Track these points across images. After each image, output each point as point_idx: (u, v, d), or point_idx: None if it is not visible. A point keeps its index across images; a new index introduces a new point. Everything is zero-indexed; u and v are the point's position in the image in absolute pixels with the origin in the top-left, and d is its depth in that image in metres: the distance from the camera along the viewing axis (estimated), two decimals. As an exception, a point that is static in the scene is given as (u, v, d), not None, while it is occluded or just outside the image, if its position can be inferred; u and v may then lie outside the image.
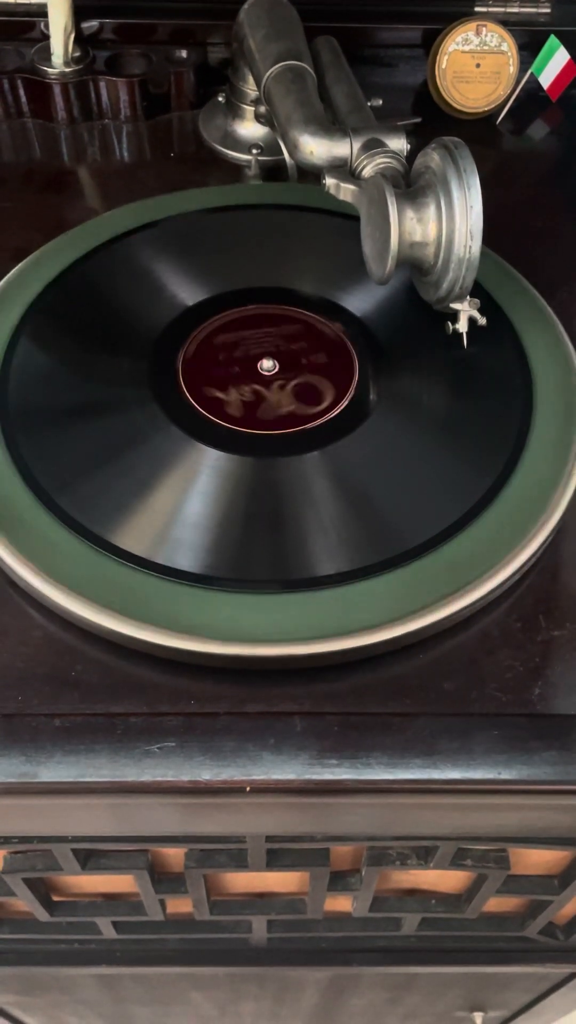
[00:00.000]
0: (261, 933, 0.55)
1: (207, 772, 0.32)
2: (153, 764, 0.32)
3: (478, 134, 0.62)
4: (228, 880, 0.50)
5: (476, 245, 0.40)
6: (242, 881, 0.51)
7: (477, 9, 0.63)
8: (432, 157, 0.42)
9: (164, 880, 0.47)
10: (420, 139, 0.46)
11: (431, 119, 0.60)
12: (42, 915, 0.51)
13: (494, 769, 0.32)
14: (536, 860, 0.46)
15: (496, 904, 0.53)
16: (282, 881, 0.51)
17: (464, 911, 0.50)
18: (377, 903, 0.50)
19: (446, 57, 0.60)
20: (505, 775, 0.32)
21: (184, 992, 0.70)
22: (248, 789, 0.32)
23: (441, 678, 0.36)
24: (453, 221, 0.40)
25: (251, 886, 0.51)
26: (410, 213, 0.41)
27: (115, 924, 0.53)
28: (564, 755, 0.33)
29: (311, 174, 0.48)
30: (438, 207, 0.41)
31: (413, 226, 0.41)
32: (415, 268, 0.44)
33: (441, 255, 0.41)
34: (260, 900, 0.52)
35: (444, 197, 0.40)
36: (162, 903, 0.50)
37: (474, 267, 0.41)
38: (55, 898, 0.51)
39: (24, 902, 0.48)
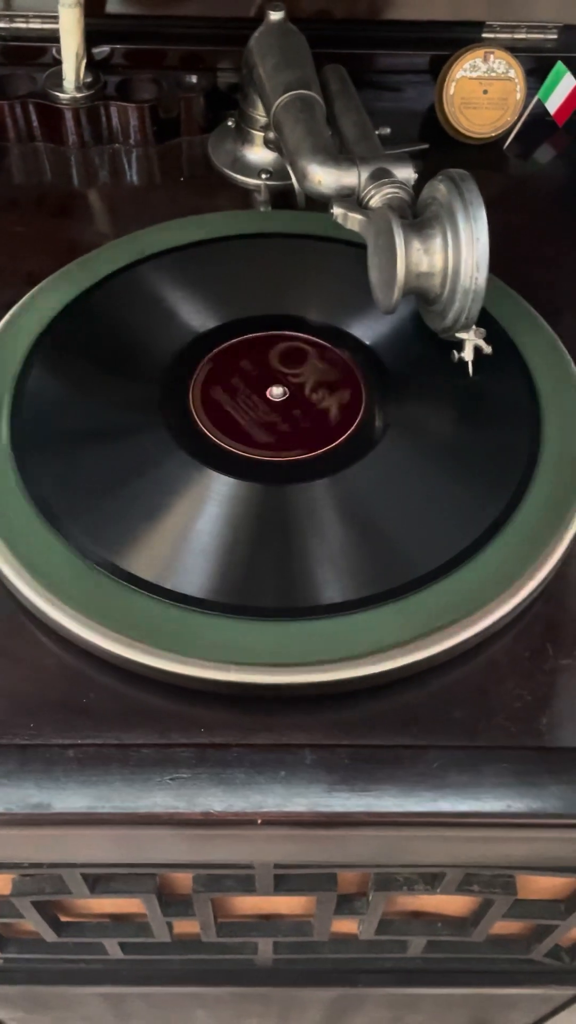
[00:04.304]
0: (267, 954, 0.55)
1: (218, 804, 0.32)
2: (165, 796, 0.32)
3: (485, 159, 0.62)
4: (235, 902, 0.51)
5: (482, 276, 0.41)
6: (249, 903, 0.51)
7: (484, 35, 0.64)
8: (438, 188, 0.42)
9: (172, 903, 0.47)
10: (427, 164, 0.47)
11: (438, 144, 0.61)
12: (50, 936, 0.51)
13: (504, 802, 0.32)
14: (543, 885, 0.47)
15: (502, 927, 0.53)
16: (288, 904, 0.51)
17: (470, 934, 0.50)
18: (383, 926, 0.51)
19: (454, 83, 0.60)
20: (515, 808, 0.32)
21: (189, 1010, 0.70)
22: (260, 821, 0.32)
23: (450, 707, 0.36)
24: (459, 253, 0.41)
25: (258, 908, 0.52)
26: (416, 244, 0.41)
27: (121, 944, 0.53)
28: (574, 788, 0.33)
29: (319, 202, 0.48)
30: (444, 239, 0.41)
31: (420, 257, 0.42)
32: (421, 298, 0.45)
33: (447, 286, 0.42)
34: (266, 922, 0.52)
35: (450, 229, 0.41)
36: (169, 925, 0.50)
37: (480, 297, 0.41)
38: (63, 919, 0.52)
39: (32, 923, 0.49)
